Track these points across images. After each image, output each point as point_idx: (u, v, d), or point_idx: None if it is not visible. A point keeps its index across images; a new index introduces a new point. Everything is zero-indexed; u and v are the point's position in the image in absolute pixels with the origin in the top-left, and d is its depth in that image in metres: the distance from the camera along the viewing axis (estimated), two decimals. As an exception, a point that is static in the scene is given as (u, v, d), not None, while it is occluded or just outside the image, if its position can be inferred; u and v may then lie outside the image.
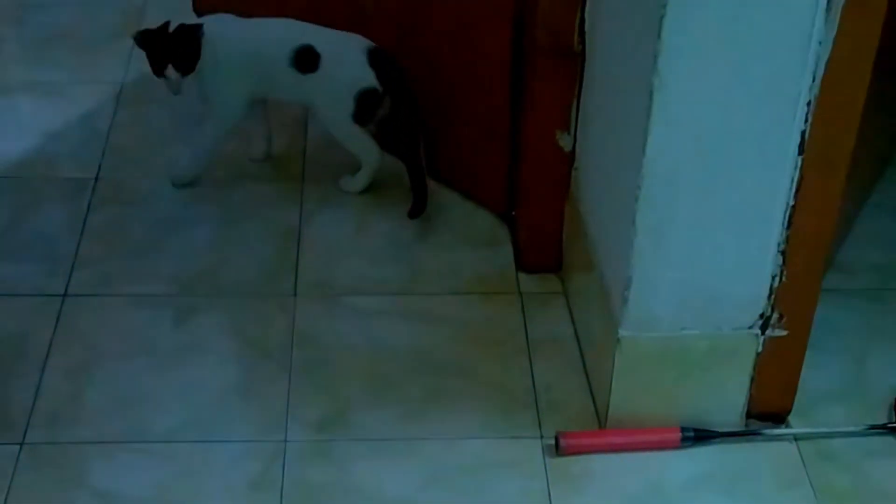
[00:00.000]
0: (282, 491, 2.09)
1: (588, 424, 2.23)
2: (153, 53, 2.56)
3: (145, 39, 2.57)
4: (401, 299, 2.49)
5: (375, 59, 2.57)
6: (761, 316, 2.12)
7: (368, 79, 2.57)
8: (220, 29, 2.60)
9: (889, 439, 2.22)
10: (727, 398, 2.20)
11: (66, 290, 2.47)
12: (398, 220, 2.65)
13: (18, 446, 2.14)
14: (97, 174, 2.78)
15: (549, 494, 2.10)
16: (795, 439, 2.21)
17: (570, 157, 2.44)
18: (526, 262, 2.57)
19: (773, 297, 2.10)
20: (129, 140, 2.90)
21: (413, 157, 2.60)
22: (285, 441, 2.18)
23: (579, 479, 2.13)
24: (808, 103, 1.90)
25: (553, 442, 2.17)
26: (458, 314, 2.45)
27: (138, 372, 2.30)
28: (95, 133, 2.91)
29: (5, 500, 2.05)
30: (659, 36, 1.83)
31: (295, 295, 2.48)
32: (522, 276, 2.54)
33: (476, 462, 2.16)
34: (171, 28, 2.55)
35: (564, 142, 2.42)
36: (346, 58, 2.58)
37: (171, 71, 2.55)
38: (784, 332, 2.13)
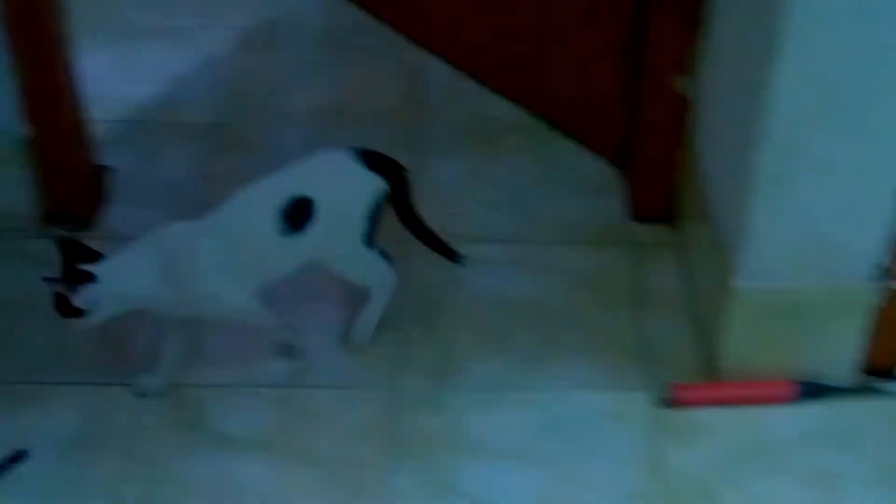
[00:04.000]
0: (393, 438, 2.13)
1: (697, 378, 2.22)
2: None
3: None
4: (517, 247, 2.50)
5: (370, 159, 2.19)
6: (880, 267, 2.07)
7: (376, 185, 2.17)
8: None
9: None
10: (841, 352, 2.17)
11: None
12: (513, 167, 2.65)
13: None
14: (222, 120, 2.83)
15: (658, 447, 2.11)
16: (912, 396, 2.18)
17: (688, 102, 2.40)
18: (639, 211, 2.55)
19: (894, 247, 2.05)
20: (253, 86, 2.94)
21: (423, 232, 2.29)
22: (398, 389, 2.21)
23: (688, 432, 2.13)
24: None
25: (665, 394, 2.17)
26: (570, 264, 2.45)
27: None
28: (221, 79, 2.96)
29: (131, 440, 2.13)
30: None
31: (409, 242, 2.49)
32: (635, 225, 2.53)
33: (586, 413, 2.17)
34: None
35: (683, 86, 2.39)
36: (342, 180, 2.18)
37: None
38: (903, 285, 2.09)
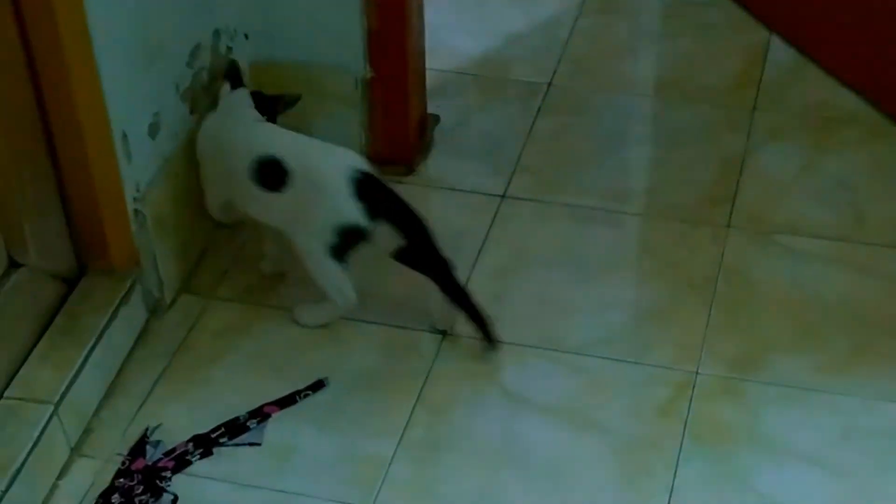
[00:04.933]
0: (686, 422, 2.07)
1: None
2: None
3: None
4: (840, 245, 2.37)
5: (364, 189, 2.10)
6: None
7: (353, 214, 2.09)
8: (212, 116, 2.29)
9: None
10: None
11: (505, 191, 2.53)
12: (847, 161, 2.52)
13: (441, 336, 2.23)
14: (550, 80, 2.81)
15: (970, 475, 1.97)
16: None
17: None
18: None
19: None
20: (586, 49, 2.91)
21: (449, 282, 2.16)
22: (697, 373, 2.14)
23: None
24: None
25: None
26: (897, 269, 2.31)
27: (562, 281, 2.33)
28: (555, 39, 2.94)
29: (423, 384, 2.15)
30: None
31: (728, 226, 2.42)
32: (976, 238, 2.37)
33: (894, 426, 2.04)
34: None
35: None
36: (326, 181, 2.11)
37: None
38: None
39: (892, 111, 2.62)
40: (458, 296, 2.16)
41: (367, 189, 2.10)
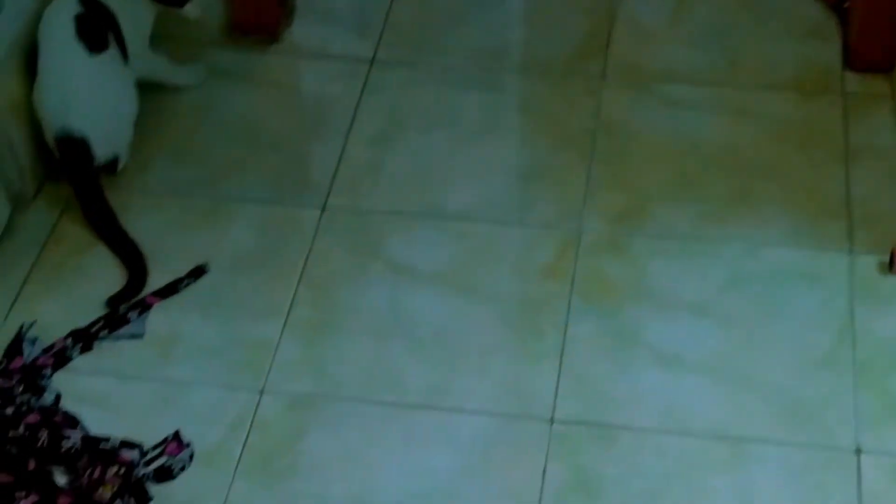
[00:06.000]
0: (573, 280, 2.06)
1: (902, 242, 2.08)
2: None
3: None
4: (714, 91, 2.36)
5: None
6: None
7: None
8: None
9: None
10: None
11: (374, 55, 2.46)
12: (719, 3, 2.49)
13: (320, 211, 2.18)
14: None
15: (853, 313, 1.99)
16: None
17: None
18: (855, 57, 2.38)
19: None
20: None
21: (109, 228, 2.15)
22: (581, 230, 2.13)
23: (887, 298, 2.01)
24: None
25: (887, 259, 2.04)
26: (773, 111, 2.31)
27: (438, 145, 2.29)
28: None
29: (305, 261, 2.11)
30: None
31: (603, 78, 2.39)
32: (849, 74, 2.37)
33: (777, 271, 2.06)
34: None
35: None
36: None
37: None
38: None
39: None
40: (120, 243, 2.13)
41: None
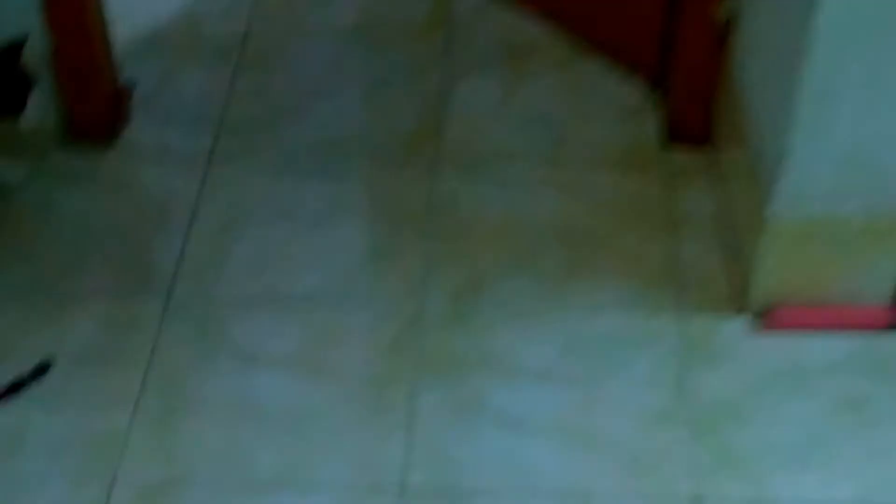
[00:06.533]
0: (418, 354, 2.10)
1: (727, 305, 2.18)
2: None
3: None
4: (543, 170, 2.45)
5: None
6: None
7: None
8: None
9: None
10: (877, 280, 2.13)
11: (212, 151, 2.49)
12: (543, 89, 2.60)
13: (164, 301, 2.19)
14: (245, 32, 2.78)
15: (685, 371, 2.08)
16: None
17: (731, 20, 2.34)
18: (674, 132, 2.49)
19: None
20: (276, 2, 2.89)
21: None
22: (423, 306, 2.18)
23: (716, 356, 2.10)
24: None
25: (761, 316, 2.14)
26: (601, 187, 2.41)
27: (280, 233, 2.33)
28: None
29: (151, 352, 2.11)
30: None
31: (437, 160, 2.46)
32: (669, 148, 2.48)
33: (613, 334, 2.14)
34: None
35: (726, 7, 2.33)
36: None
37: None
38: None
39: (580, 35, 2.71)
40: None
41: None
